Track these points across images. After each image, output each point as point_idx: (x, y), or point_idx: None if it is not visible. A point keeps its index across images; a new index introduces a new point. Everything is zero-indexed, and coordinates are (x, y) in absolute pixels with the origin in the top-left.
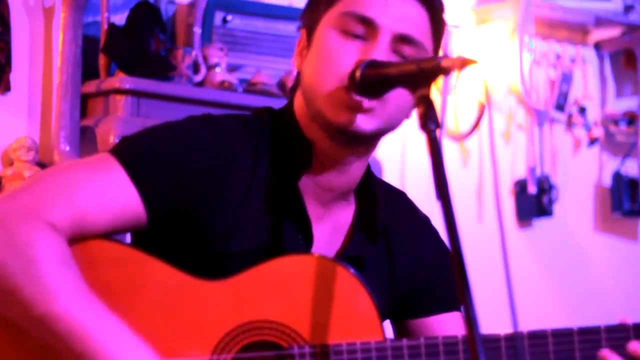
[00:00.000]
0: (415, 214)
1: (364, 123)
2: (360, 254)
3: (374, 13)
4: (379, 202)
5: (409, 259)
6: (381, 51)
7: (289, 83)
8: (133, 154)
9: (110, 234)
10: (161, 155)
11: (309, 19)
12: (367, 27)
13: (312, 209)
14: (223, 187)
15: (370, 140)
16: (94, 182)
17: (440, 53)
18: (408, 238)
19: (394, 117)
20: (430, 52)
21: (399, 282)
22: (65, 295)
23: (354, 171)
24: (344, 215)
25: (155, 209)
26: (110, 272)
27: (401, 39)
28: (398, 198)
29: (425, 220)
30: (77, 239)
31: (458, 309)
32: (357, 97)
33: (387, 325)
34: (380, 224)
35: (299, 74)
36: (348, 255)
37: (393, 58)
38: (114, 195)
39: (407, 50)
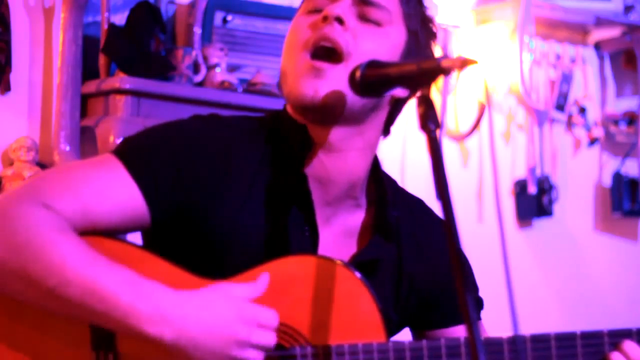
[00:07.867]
0: (432, 222)
1: (322, 87)
2: (376, 256)
3: None
4: (388, 201)
5: (423, 268)
6: (342, 6)
7: None
8: (134, 153)
9: (114, 233)
10: (162, 154)
11: None
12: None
13: (318, 210)
14: (225, 185)
15: (349, 113)
16: (97, 180)
17: (437, 48)
18: (423, 245)
19: None
20: (397, 16)
21: (409, 290)
22: (72, 260)
23: (352, 159)
24: (353, 219)
25: (158, 207)
26: None
27: (364, 2)
28: (414, 203)
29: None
30: (81, 234)
31: (479, 319)
32: (314, 61)
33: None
34: (393, 224)
35: None
36: (363, 259)
37: (360, 24)
38: (116, 193)
39: (373, 14)
